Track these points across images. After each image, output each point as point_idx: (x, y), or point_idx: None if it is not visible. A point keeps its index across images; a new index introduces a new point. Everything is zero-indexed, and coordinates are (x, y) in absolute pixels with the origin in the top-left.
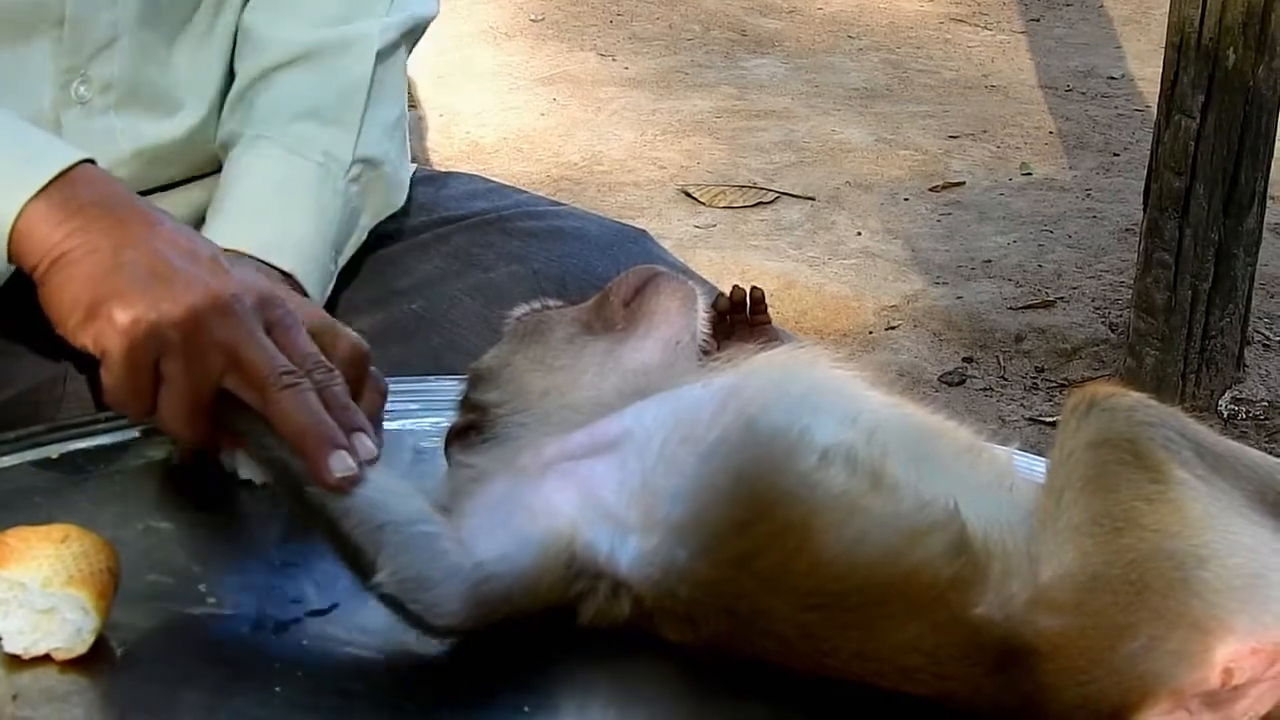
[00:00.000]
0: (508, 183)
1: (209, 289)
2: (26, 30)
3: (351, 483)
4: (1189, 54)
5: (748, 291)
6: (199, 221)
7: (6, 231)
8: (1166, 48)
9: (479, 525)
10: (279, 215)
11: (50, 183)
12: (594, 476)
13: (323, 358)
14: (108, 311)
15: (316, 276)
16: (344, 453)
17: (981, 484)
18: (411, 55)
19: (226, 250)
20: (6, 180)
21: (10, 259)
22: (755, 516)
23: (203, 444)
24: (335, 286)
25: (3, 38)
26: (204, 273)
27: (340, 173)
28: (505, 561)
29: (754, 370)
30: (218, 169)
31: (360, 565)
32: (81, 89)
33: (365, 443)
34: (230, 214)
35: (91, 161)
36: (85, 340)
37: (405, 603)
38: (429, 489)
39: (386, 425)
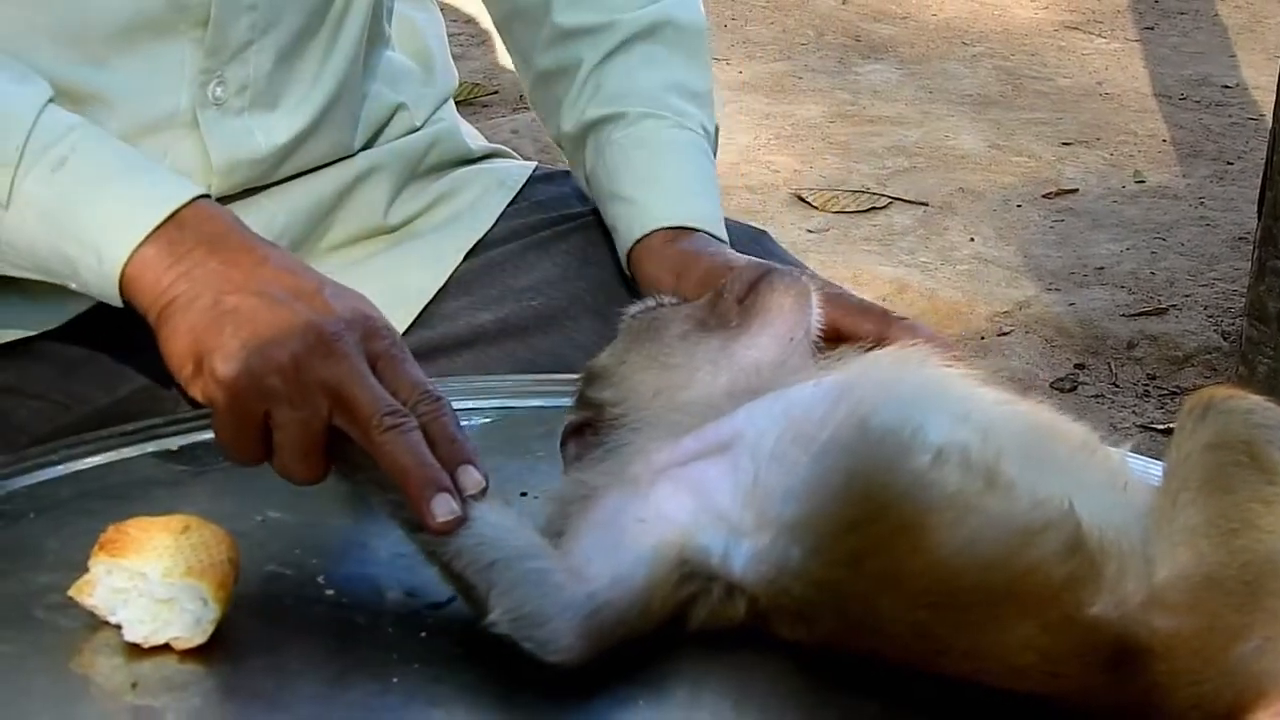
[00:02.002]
0: None
1: (311, 327)
2: (170, 31)
3: (456, 525)
4: None
5: None
6: (324, 206)
7: (117, 277)
8: None
9: (590, 546)
10: (703, 187)
11: (159, 225)
12: (707, 479)
13: (430, 387)
14: (210, 366)
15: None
16: (447, 496)
17: (1096, 483)
18: None
19: (667, 229)
20: (118, 223)
21: (122, 298)
22: (868, 515)
23: (320, 481)
24: (454, 283)
25: (146, 38)
26: (307, 309)
27: (710, 144)
28: (618, 584)
29: (866, 368)
30: (340, 158)
31: (474, 602)
32: (218, 90)
33: (472, 475)
34: (665, 192)
35: (206, 195)
36: (195, 394)
37: (519, 640)
38: (540, 511)
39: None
